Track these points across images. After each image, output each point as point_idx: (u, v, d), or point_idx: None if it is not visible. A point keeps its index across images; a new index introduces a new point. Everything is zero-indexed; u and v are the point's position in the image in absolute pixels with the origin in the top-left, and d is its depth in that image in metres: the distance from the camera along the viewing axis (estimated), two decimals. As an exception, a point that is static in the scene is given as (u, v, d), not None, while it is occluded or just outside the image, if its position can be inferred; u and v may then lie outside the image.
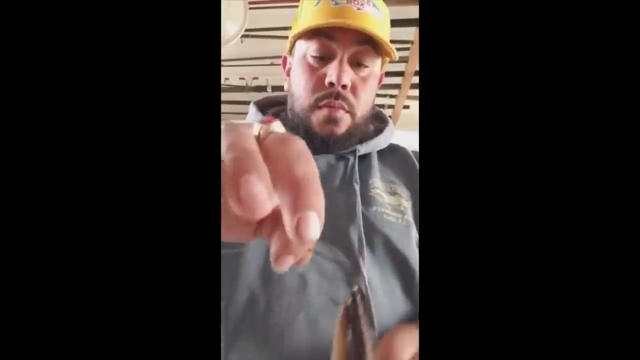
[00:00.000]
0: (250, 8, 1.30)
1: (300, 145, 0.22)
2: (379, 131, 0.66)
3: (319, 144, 0.60)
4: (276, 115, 0.68)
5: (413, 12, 1.20)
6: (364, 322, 0.24)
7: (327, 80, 0.58)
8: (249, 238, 0.24)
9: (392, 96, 1.72)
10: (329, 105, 0.58)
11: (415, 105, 1.78)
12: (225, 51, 1.43)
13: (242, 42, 1.39)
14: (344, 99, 0.58)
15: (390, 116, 1.83)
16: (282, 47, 0.68)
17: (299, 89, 0.61)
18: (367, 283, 0.48)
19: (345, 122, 0.60)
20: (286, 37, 0.66)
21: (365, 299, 0.24)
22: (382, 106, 1.75)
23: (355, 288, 0.24)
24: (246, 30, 1.33)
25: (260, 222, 0.23)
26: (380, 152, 0.66)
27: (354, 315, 0.23)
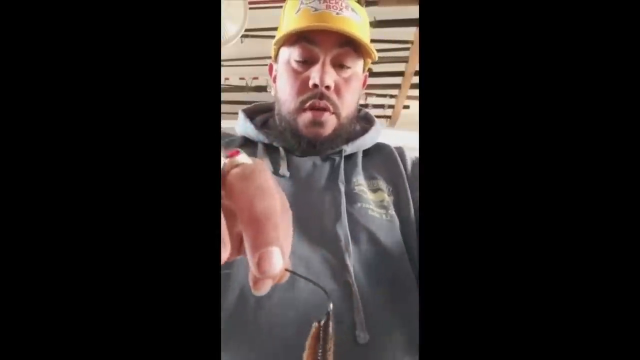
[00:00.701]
0: (250, 8, 1.29)
1: (261, 179, 0.22)
2: (365, 131, 0.68)
3: (306, 145, 0.62)
4: (264, 122, 0.70)
5: (413, 12, 1.20)
6: (331, 344, 0.24)
7: (311, 83, 0.60)
8: (234, 256, 0.25)
9: (392, 96, 1.71)
10: (313, 106, 0.60)
11: (415, 105, 1.77)
12: (225, 51, 1.42)
13: (242, 42, 1.39)
14: (328, 99, 0.60)
15: (390, 116, 1.83)
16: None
17: (284, 94, 0.63)
18: (353, 277, 0.49)
19: (330, 123, 0.62)
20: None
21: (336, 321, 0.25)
22: (382, 106, 1.75)
23: (330, 307, 0.24)
24: (246, 30, 1.33)
25: (241, 243, 0.23)
26: (366, 152, 0.67)
27: (325, 334, 0.24)
